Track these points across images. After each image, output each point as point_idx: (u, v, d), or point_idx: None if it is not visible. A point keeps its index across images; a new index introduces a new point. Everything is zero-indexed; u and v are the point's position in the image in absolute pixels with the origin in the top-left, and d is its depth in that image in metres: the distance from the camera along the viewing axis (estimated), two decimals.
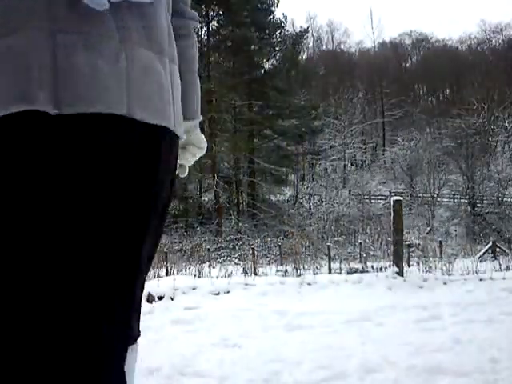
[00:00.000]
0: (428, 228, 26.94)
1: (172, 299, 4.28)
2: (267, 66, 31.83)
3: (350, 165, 43.77)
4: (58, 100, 0.68)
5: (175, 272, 8.15)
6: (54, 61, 0.68)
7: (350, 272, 6.62)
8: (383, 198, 33.36)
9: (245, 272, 7.76)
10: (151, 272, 6.97)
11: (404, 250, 6.17)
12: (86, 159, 0.69)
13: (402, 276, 5.07)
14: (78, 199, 0.69)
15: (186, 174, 1.28)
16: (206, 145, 1.27)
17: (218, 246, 21.84)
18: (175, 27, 0.98)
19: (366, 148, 44.59)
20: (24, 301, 0.69)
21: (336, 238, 19.17)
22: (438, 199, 31.31)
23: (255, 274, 7.50)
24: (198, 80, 1.16)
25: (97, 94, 0.70)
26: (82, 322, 0.71)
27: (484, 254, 14.75)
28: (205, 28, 30.25)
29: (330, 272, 7.73)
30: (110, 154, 0.71)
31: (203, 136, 1.27)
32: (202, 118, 1.19)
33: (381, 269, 7.15)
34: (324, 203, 31.19)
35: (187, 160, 1.24)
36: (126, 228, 0.77)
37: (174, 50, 0.92)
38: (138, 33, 0.78)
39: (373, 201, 33.66)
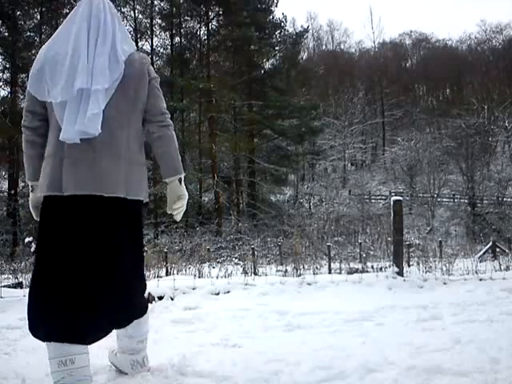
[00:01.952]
0: (428, 228, 26.93)
1: (172, 299, 4.27)
2: (267, 65, 31.85)
3: (349, 165, 43.78)
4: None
5: (175, 272, 8.15)
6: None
7: (350, 272, 6.61)
8: (383, 197, 33.37)
9: (245, 272, 7.77)
10: (151, 272, 6.97)
11: (404, 250, 6.16)
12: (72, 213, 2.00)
13: (402, 276, 5.06)
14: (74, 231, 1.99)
15: (179, 219, 2.29)
16: (185, 195, 2.25)
17: (218, 245, 21.84)
18: (150, 132, 2.19)
19: (365, 148, 44.59)
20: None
21: (336, 238, 19.17)
22: (438, 199, 31.31)
23: (255, 273, 7.49)
24: (174, 153, 2.23)
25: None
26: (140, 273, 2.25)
27: (484, 253, 14.76)
28: (205, 28, 30.27)
29: (330, 272, 7.73)
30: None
31: (183, 188, 2.25)
32: (183, 174, 2.28)
33: (381, 269, 7.15)
34: (324, 203, 31.20)
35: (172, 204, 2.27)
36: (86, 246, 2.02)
37: (131, 153, 2.11)
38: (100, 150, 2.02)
39: (373, 201, 33.66)
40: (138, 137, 2.16)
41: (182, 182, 2.24)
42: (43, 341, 2.02)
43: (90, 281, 1.98)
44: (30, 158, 2.16)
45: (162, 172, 2.26)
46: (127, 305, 2.12)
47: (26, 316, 2.05)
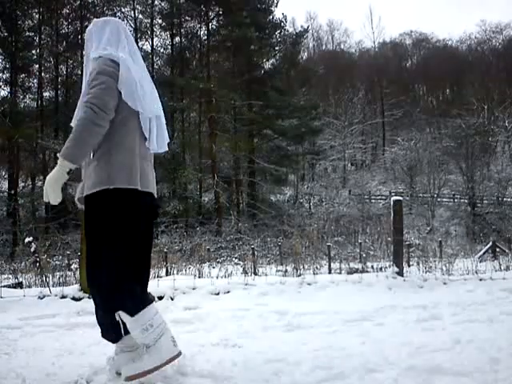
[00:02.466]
0: (428, 228, 26.93)
1: (172, 299, 4.27)
2: (267, 65, 31.87)
3: (349, 165, 43.77)
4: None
5: (175, 272, 8.16)
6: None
7: (350, 272, 6.62)
8: (383, 197, 33.37)
9: (245, 272, 7.77)
10: (151, 272, 6.96)
11: (404, 250, 6.17)
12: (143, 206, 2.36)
13: (402, 276, 5.06)
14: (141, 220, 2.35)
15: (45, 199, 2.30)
16: (47, 178, 2.28)
17: (218, 245, 21.85)
18: None
19: (365, 148, 44.59)
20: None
21: (336, 238, 19.18)
22: (438, 199, 31.30)
23: (255, 273, 7.50)
24: None
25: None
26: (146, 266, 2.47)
27: (484, 253, 14.76)
28: (205, 28, 30.28)
29: (330, 272, 7.74)
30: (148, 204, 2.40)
31: (52, 172, 2.26)
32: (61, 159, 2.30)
33: (381, 269, 7.16)
34: (324, 203, 31.21)
35: None
36: (147, 234, 2.43)
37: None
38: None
39: (373, 201, 33.66)
40: None
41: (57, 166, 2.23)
42: (133, 314, 2.22)
43: (148, 261, 2.47)
44: (91, 146, 2.22)
45: None
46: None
47: (118, 300, 2.24)
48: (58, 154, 2.18)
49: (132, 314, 2.21)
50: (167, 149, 2.51)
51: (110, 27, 2.42)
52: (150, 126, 2.37)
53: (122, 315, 2.23)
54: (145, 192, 2.33)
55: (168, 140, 2.51)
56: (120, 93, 2.24)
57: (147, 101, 2.33)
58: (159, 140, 2.43)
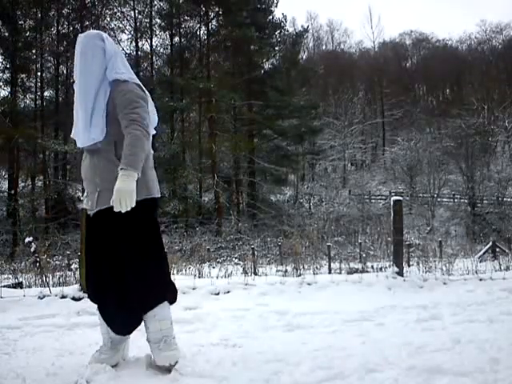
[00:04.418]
0: (428, 228, 26.93)
1: None
2: (267, 65, 31.85)
3: (349, 165, 43.77)
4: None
5: (175, 272, 8.14)
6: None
7: (350, 272, 6.61)
8: (383, 197, 33.37)
9: (245, 272, 7.75)
10: None
11: (404, 250, 6.16)
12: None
13: (402, 276, 5.05)
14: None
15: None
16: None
17: (218, 245, 21.83)
18: None
19: (365, 148, 44.59)
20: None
21: (336, 238, 19.16)
22: (438, 199, 31.30)
23: (255, 273, 7.49)
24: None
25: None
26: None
27: (484, 253, 14.75)
28: (204, 28, 30.28)
29: (330, 272, 7.73)
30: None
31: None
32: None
33: (381, 269, 7.14)
34: (324, 203, 31.19)
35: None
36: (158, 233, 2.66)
37: None
38: None
39: (373, 201, 33.66)
40: None
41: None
42: (172, 303, 2.61)
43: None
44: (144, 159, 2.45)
45: None
46: None
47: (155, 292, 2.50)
48: (121, 168, 2.31)
49: (171, 303, 2.58)
50: None
51: (114, 46, 2.61)
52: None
53: (160, 307, 2.49)
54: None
55: None
56: None
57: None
58: None
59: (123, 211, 2.28)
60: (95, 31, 2.61)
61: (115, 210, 2.28)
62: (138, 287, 2.47)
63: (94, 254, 2.53)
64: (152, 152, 2.60)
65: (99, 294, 2.53)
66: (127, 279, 2.46)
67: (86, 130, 2.49)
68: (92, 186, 2.49)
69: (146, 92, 2.60)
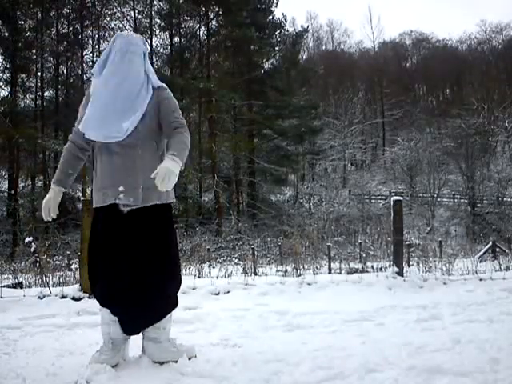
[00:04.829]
0: (428, 228, 26.93)
1: None
2: (267, 65, 31.84)
3: (349, 165, 43.75)
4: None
5: None
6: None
7: (350, 272, 6.61)
8: (383, 197, 33.36)
9: (245, 272, 7.75)
10: None
11: (404, 250, 6.16)
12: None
13: (402, 276, 5.06)
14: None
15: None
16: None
17: (218, 245, 21.83)
18: None
19: (365, 148, 44.58)
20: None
21: (336, 238, 19.16)
22: (438, 199, 31.30)
23: (255, 273, 7.49)
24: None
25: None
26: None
27: (484, 253, 14.75)
28: (204, 28, 30.27)
29: (330, 272, 7.73)
30: None
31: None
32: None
33: (381, 269, 7.14)
34: (324, 203, 31.18)
35: None
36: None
37: None
38: None
39: (373, 201, 33.66)
40: None
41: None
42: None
43: None
44: None
45: None
46: None
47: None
48: (171, 153, 2.39)
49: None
50: None
51: None
52: None
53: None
54: None
55: None
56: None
57: None
58: None
59: (163, 190, 2.31)
60: (137, 34, 2.73)
61: (157, 183, 2.27)
62: (167, 288, 2.53)
63: (118, 251, 2.47)
64: None
65: (117, 294, 2.48)
66: (154, 279, 2.47)
67: (119, 123, 2.47)
68: (132, 182, 2.46)
69: None
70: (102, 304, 2.55)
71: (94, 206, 2.57)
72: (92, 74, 2.66)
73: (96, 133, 2.49)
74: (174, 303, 2.61)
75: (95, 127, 2.49)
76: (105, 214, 2.50)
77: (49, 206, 2.55)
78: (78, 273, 5.37)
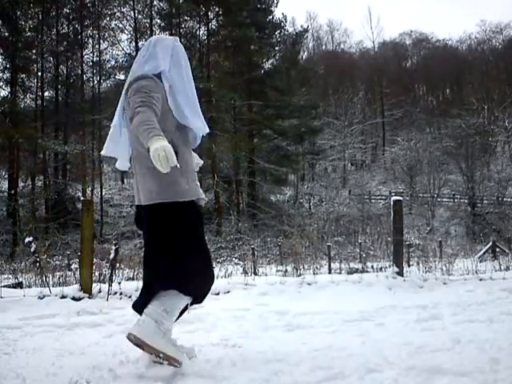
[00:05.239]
0: (428, 228, 26.94)
1: None
2: (267, 65, 31.86)
3: (349, 165, 43.76)
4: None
5: None
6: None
7: (350, 272, 6.61)
8: (383, 197, 33.37)
9: (245, 272, 7.75)
10: None
11: (404, 250, 6.17)
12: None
13: (402, 276, 5.06)
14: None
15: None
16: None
17: (218, 245, 21.86)
18: None
19: (365, 148, 44.58)
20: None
21: (336, 238, 19.17)
22: (438, 199, 31.31)
23: (255, 274, 7.49)
24: None
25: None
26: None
27: (484, 253, 14.76)
28: (204, 28, 30.29)
29: (330, 272, 7.73)
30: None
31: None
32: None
33: (381, 269, 7.14)
34: (324, 203, 31.21)
35: None
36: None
37: None
38: None
39: (373, 201, 33.67)
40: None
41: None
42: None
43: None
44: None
45: None
46: None
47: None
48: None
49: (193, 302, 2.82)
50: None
51: None
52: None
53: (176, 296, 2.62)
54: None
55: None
56: None
57: None
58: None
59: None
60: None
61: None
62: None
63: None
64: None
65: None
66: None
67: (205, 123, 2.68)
68: (195, 177, 2.65)
69: None
70: (204, 296, 2.85)
71: (188, 197, 2.49)
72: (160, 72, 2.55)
73: (204, 127, 2.66)
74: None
75: (201, 121, 2.64)
76: (197, 206, 2.60)
77: (171, 152, 2.17)
78: (77, 273, 5.36)
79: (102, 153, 2.72)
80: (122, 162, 2.70)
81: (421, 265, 6.91)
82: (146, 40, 31.59)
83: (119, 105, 2.63)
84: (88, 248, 4.55)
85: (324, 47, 58.93)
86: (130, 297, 4.32)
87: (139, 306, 2.56)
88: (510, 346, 2.73)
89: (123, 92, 2.58)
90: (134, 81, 2.51)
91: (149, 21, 31.24)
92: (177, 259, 2.52)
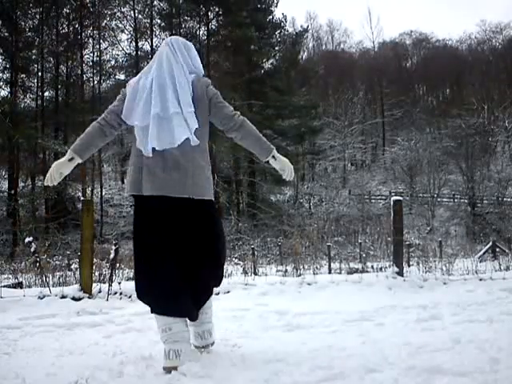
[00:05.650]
0: (428, 228, 26.95)
1: None
2: (267, 65, 31.85)
3: (349, 165, 43.77)
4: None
5: None
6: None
7: (350, 272, 6.61)
8: (383, 197, 33.37)
9: (245, 272, 7.75)
10: None
11: (404, 250, 6.17)
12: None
13: (402, 276, 5.06)
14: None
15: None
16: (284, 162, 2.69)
17: None
18: (233, 136, 2.72)
19: (365, 148, 44.59)
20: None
21: (336, 238, 19.18)
22: (438, 199, 31.31)
23: (255, 273, 7.50)
24: (258, 138, 2.67)
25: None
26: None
27: (484, 253, 14.77)
28: (204, 28, 30.28)
29: (330, 272, 7.74)
30: None
31: (280, 159, 2.67)
32: (273, 151, 2.67)
33: (381, 269, 7.15)
34: (324, 203, 31.22)
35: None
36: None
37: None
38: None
39: (373, 201, 33.67)
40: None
41: (276, 156, 2.63)
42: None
43: (170, 266, 2.49)
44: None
45: (258, 154, 2.67)
46: (200, 289, 2.63)
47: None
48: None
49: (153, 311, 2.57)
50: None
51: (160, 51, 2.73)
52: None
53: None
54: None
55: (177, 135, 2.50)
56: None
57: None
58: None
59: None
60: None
61: None
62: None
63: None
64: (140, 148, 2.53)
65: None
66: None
67: None
68: None
69: (132, 85, 2.61)
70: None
71: (213, 197, 2.71)
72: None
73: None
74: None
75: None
76: None
77: (58, 170, 2.51)
78: (77, 273, 5.36)
79: (182, 138, 2.50)
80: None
81: (421, 265, 6.91)
82: (146, 40, 31.73)
83: (171, 94, 2.53)
84: (88, 248, 4.55)
85: (324, 47, 58.96)
86: (129, 297, 4.32)
87: (192, 311, 2.63)
88: (509, 345, 2.73)
89: (189, 85, 2.56)
90: (207, 81, 2.66)
91: (149, 21, 31.25)
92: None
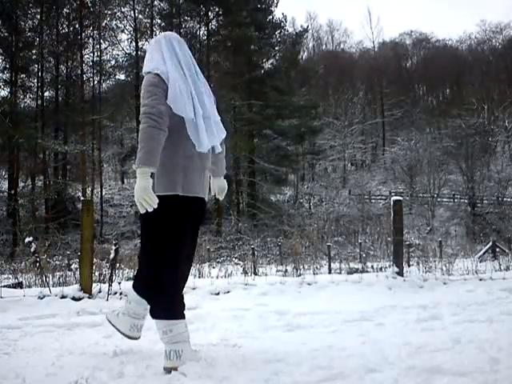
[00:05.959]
0: (428, 228, 26.94)
1: None
2: (267, 65, 31.84)
3: (349, 165, 43.78)
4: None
5: None
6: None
7: (350, 272, 6.61)
8: (383, 197, 33.37)
9: (245, 272, 7.74)
10: None
11: (404, 250, 6.17)
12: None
13: (402, 276, 5.06)
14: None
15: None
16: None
17: (218, 245, 21.86)
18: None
19: (365, 148, 44.60)
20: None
21: (336, 238, 19.17)
22: (438, 199, 31.30)
23: (255, 273, 7.49)
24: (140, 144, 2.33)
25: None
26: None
27: (484, 253, 14.76)
28: (204, 28, 30.28)
29: (330, 272, 7.73)
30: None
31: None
32: (136, 166, 2.31)
33: (381, 269, 7.14)
34: (324, 203, 31.22)
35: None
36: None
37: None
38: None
39: (373, 201, 33.67)
40: None
41: (139, 175, 2.30)
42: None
43: (185, 269, 2.70)
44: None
45: None
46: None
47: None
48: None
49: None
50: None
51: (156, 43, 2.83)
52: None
53: None
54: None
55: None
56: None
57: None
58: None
59: (149, 210, 2.27)
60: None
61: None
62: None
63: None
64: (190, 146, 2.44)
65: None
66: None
67: None
68: None
69: (171, 78, 2.50)
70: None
71: None
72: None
73: None
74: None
75: None
76: None
77: (149, 193, 2.26)
78: (77, 273, 5.36)
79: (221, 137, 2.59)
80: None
81: (421, 265, 6.91)
82: (146, 40, 31.67)
83: (208, 99, 2.63)
84: (88, 248, 4.55)
85: (324, 47, 59.00)
86: None
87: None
88: (509, 345, 2.73)
89: (205, 86, 2.69)
90: None
91: (149, 21, 31.24)
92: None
